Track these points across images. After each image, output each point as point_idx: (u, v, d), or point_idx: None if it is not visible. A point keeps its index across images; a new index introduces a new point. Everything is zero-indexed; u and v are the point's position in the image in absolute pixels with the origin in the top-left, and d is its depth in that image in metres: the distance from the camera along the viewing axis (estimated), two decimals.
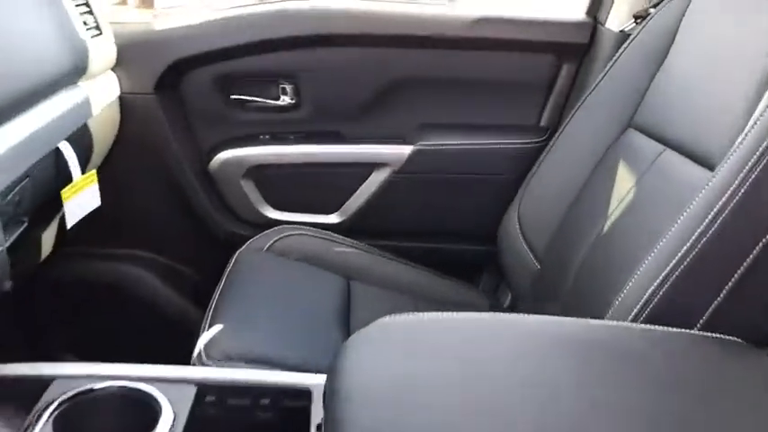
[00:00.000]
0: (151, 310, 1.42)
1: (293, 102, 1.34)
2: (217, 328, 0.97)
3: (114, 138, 1.30)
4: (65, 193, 1.00)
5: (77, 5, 1.15)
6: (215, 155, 1.35)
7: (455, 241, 1.42)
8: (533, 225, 1.21)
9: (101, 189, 1.29)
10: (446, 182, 1.36)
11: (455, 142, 1.34)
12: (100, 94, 1.18)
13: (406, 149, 1.34)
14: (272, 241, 1.23)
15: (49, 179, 1.00)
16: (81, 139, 1.11)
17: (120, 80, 1.28)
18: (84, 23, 1.15)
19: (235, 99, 1.34)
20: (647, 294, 0.76)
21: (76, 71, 1.09)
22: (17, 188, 0.91)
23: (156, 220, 1.40)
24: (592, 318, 0.86)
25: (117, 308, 1.40)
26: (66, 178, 1.01)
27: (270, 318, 1.02)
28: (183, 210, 1.38)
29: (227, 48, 1.28)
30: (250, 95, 1.34)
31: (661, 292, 0.75)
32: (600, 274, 0.95)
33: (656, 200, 0.94)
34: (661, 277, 0.75)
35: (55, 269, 1.33)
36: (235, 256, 1.20)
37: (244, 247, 1.23)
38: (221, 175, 1.36)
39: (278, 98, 1.34)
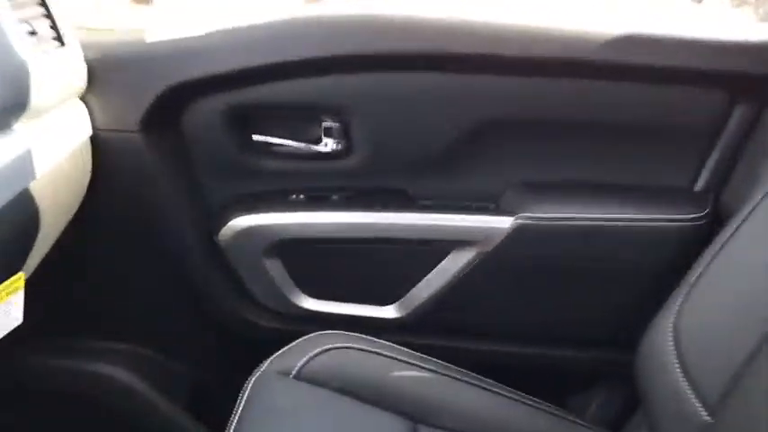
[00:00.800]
0: (133, 424, 1.03)
1: (340, 147, 0.94)
2: None
3: (84, 194, 0.91)
4: None
5: (23, 5, 0.77)
6: (227, 220, 0.95)
7: (564, 346, 1.01)
8: (701, 353, 0.79)
9: (65, 259, 0.91)
10: (559, 271, 0.94)
11: (574, 215, 0.92)
12: (55, 139, 0.79)
13: (501, 222, 0.92)
14: (303, 359, 0.82)
15: None
16: (14, 216, 0.72)
17: (92, 113, 0.89)
18: (33, 33, 0.76)
19: (256, 141, 0.94)
20: None
21: (8, 107, 0.70)
22: None
23: (143, 305, 1.01)
24: None
25: (86, 421, 1.02)
26: None
27: None
28: (181, 292, 0.99)
29: (247, 69, 0.88)
30: (278, 137, 0.94)
31: None
32: None
33: None
34: None
35: None
36: (250, 385, 0.80)
37: (263, 367, 0.83)
38: (235, 248, 0.96)
39: (319, 141, 0.94)
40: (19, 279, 0.68)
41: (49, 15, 0.81)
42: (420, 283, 0.97)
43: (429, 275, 0.96)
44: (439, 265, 0.95)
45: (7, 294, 0.66)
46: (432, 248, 0.95)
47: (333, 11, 0.92)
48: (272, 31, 0.89)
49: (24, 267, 0.83)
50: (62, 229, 0.90)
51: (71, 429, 1.02)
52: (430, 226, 0.94)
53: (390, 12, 0.90)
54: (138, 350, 1.03)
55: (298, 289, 0.98)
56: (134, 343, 1.03)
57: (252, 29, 0.90)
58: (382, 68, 0.89)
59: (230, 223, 0.95)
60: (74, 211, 0.89)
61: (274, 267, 0.97)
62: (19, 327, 0.93)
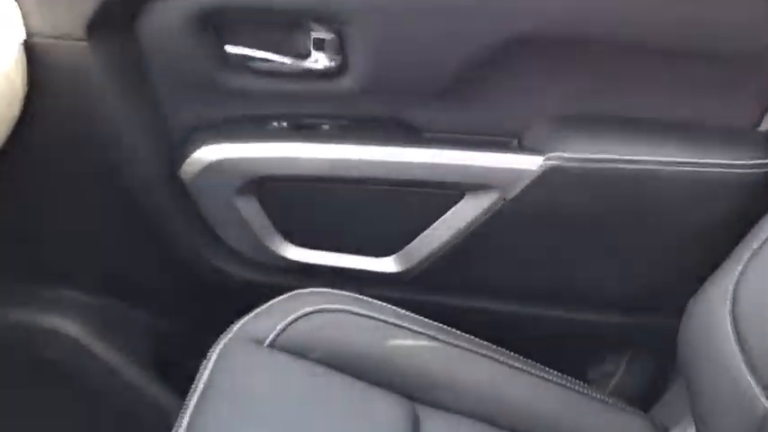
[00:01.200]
0: (83, 385, 0.89)
1: (333, 64, 0.76)
2: None
3: (16, 116, 0.74)
4: None
5: None
6: (193, 151, 0.78)
7: (591, 310, 0.86)
8: (764, 328, 0.65)
9: None
10: (592, 222, 0.79)
11: (615, 156, 0.75)
12: None
13: (527, 162, 0.76)
14: (280, 324, 0.68)
15: None
16: None
17: (25, 14, 0.71)
18: None
19: (231, 54, 0.77)
20: None
21: None
22: None
23: (95, 246, 0.86)
24: None
25: (26, 382, 0.88)
26: None
27: None
28: (139, 232, 0.84)
29: None
30: (258, 49, 0.77)
31: None
32: None
33: None
34: None
35: None
36: (215, 354, 0.66)
37: (232, 332, 0.68)
38: (203, 185, 0.80)
39: (307, 56, 0.77)
40: None
41: None
42: (425, 233, 0.81)
43: (436, 223, 0.80)
44: (449, 212, 0.80)
45: None
46: (441, 191, 0.79)
47: None
48: None
49: None
50: None
51: (7, 390, 0.88)
52: (439, 164, 0.77)
53: None
54: (89, 299, 0.88)
55: (278, 235, 0.83)
56: (85, 290, 0.88)
57: None
58: None
59: (197, 154, 0.78)
60: (3, 137, 0.73)
61: (250, 209, 0.81)
62: None
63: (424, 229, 0.81)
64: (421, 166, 0.77)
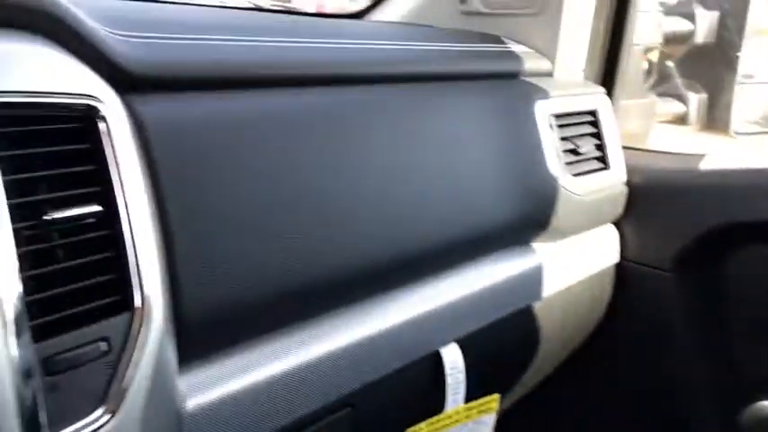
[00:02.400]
0: None
1: None
2: None
3: (594, 324, 0.83)
4: None
5: (575, 123, 0.74)
6: (755, 399, 0.74)
7: None
8: None
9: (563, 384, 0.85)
10: None
11: None
12: (573, 264, 0.74)
13: None
14: None
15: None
16: (513, 333, 0.68)
17: (623, 241, 0.81)
18: (575, 152, 0.73)
19: None
20: None
21: (528, 224, 0.67)
22: None
23: None
24: None
25: None
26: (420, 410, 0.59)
27: None
28: None
29: None
30: None
31: None
32: None
33: None
34: None
35: None
36: None
37: None
38: None
39: None
40: (493, 401, 0.64)
41: (597, 135, 0.77)
42: None
43: None
44: None
45: (479, 413, 0.63)
46: None
47: None
48: None
49: (517, 387, 0.80)
50: (567, 354, 0.84)
51: None
52: None
53: None
54: None
55: None
56: None
57: None
58: None
59: (760, 405, 0.73)
60: (580, 338, 0.83)
61: None
62: None
63: None
64: None
